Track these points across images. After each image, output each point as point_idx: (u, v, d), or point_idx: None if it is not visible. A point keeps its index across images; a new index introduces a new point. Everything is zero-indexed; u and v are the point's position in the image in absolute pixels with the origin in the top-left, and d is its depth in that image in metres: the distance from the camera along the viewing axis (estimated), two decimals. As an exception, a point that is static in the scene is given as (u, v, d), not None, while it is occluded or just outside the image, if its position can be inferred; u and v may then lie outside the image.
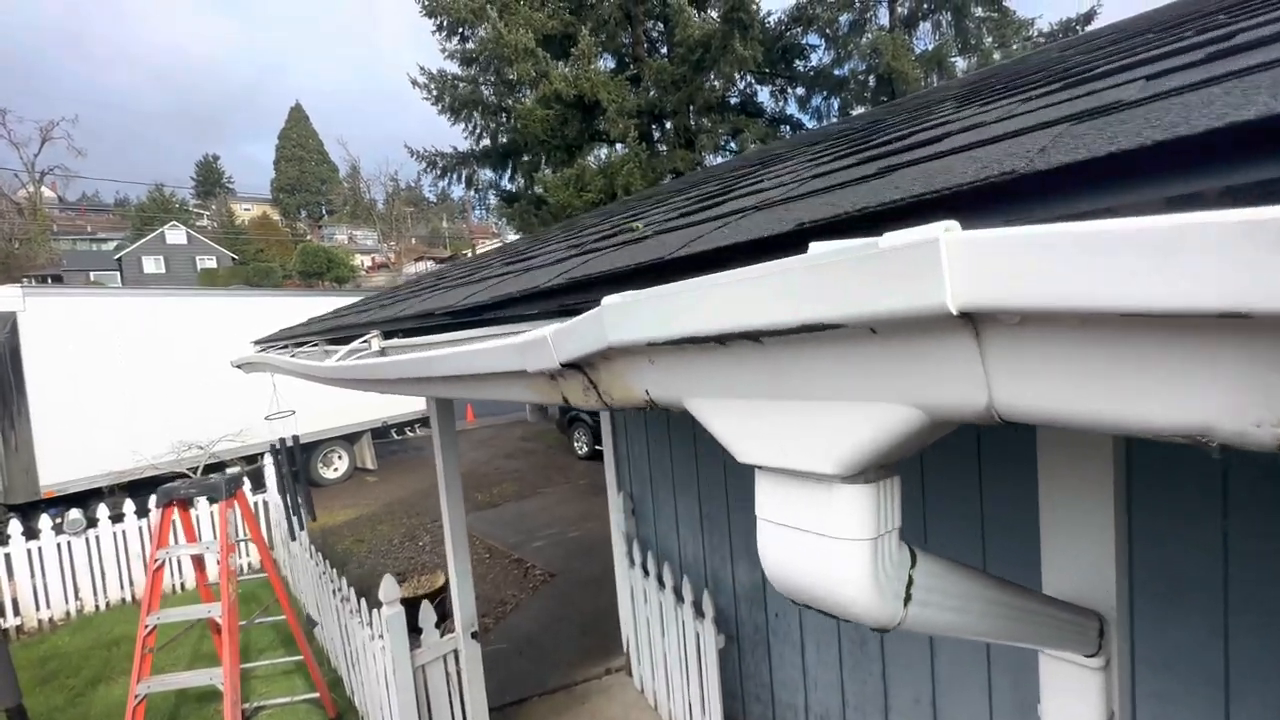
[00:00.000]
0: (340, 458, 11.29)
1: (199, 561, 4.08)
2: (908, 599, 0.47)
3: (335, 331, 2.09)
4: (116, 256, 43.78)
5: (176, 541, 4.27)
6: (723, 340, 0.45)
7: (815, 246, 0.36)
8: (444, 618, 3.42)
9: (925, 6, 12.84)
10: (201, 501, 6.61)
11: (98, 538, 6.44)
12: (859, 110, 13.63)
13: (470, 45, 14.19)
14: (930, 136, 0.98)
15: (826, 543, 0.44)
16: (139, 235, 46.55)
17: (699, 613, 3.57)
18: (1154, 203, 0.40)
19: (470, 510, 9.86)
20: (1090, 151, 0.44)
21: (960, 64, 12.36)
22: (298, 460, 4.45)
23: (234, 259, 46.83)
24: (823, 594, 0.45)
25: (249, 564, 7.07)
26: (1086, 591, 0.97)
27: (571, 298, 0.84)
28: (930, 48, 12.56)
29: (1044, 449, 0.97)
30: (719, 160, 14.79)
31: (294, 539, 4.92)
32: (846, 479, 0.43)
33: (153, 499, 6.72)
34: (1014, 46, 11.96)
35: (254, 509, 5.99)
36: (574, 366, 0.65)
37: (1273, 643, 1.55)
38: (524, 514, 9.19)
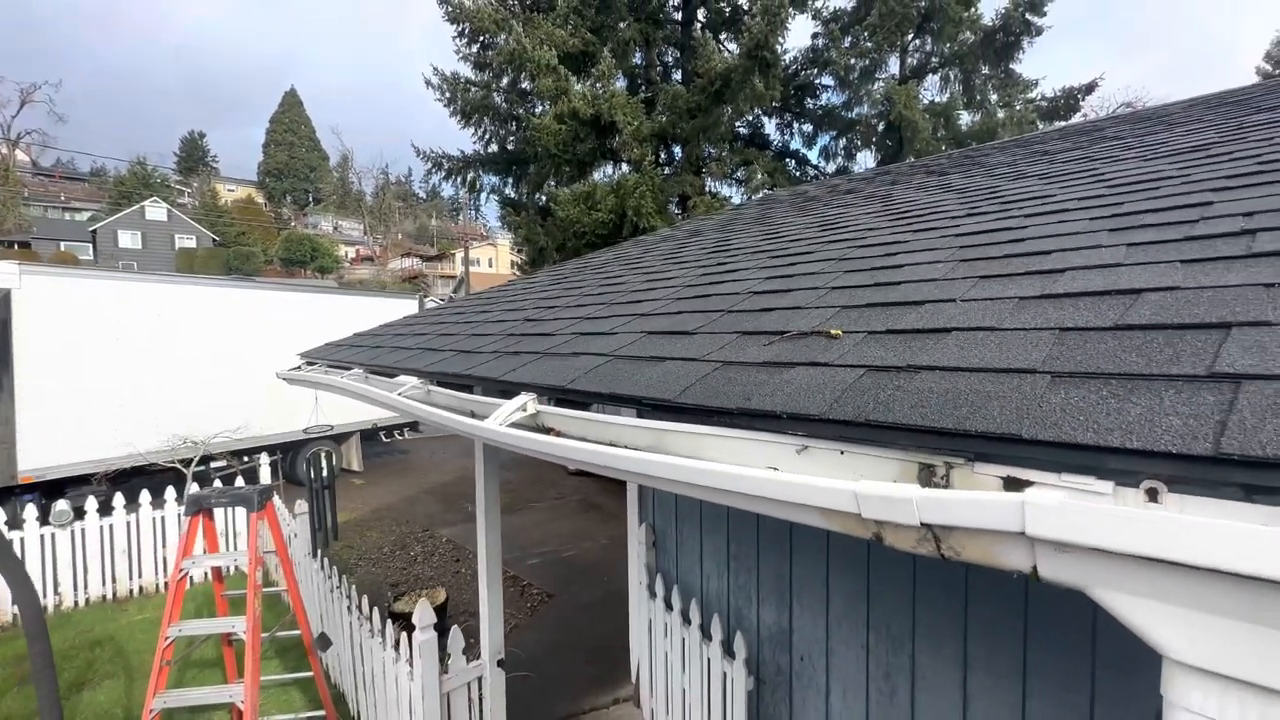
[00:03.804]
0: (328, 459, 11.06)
1: (218, 572, 3.98)
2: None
3: (442, 375, 2.11)
4: (91, 229, 42.29)
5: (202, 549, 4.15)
6: (1194, 569, 0.53)
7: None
8: (441, 633, 3.39)
9: (934, 61, 13.34)
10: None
11: (83, 531, 6.20)
12: (865, 153, 14.06)
13: (490, 52, 14.26)
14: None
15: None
16: (116, 208, 45.06)
17: (728, 652, 3.62)
18: None
19: (460, 520, 9.76)
20: None
21: (966, 118, 12.87)
22: (329, 470, 4.35)
23: (214, 240, 45.63)
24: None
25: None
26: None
27: (855, 432, 0.91)
28: (938, 100, 13.04)
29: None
30: (726, 189, 15.06)
31: (315, 556, 4.82)
32: (1312, 701, 0.50)
33: (142, 498, 6.52)
34: (1017, 107, 12.52)
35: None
36: (928, 525, 0.72)
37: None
38: (515, 529, 9.11)
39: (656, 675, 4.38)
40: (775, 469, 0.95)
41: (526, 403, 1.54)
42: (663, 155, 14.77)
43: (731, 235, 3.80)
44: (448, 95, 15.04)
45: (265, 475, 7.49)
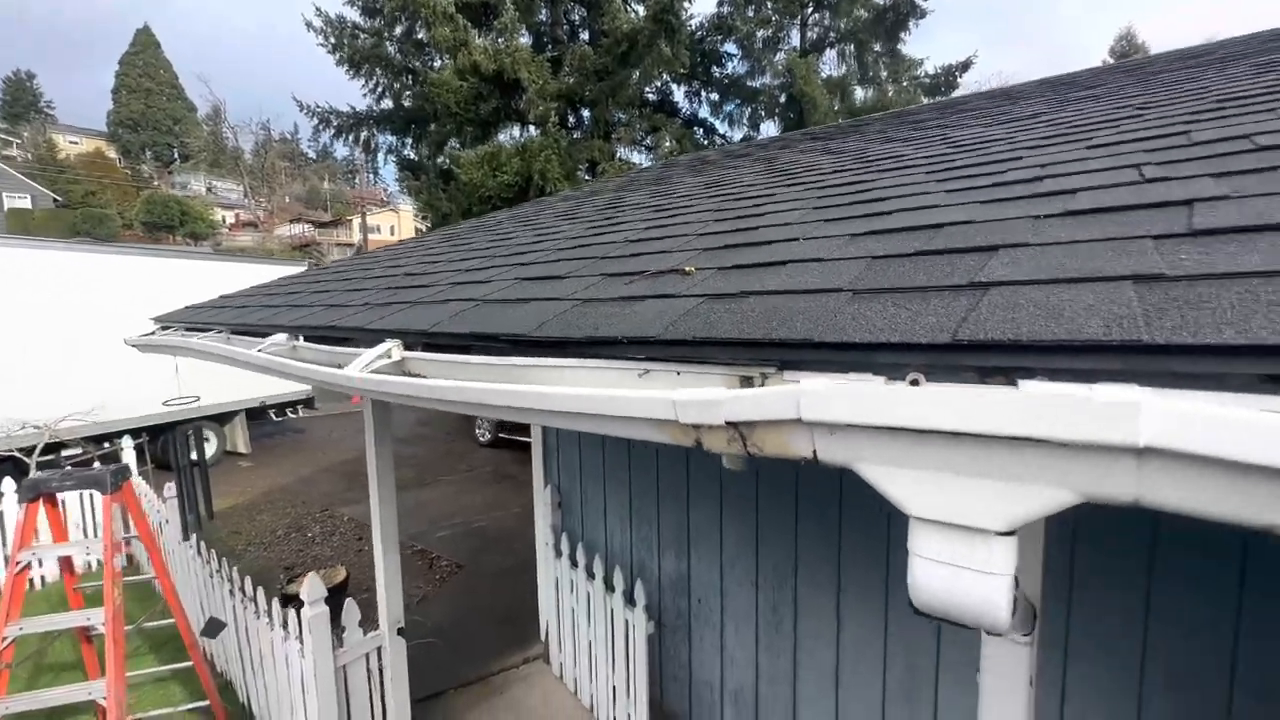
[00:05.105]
0: (208, 440, 10.13)
1: (67, 562, 3.58)
2: (1014, 611, 0.67)
3: (310, 329, 1.98)
4: (-116, 182, 35.20)
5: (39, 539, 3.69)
6: (923, 433, 0.61)
7: (1029, 385, 0.53)
8: (338, 612, 3.29)
9: (831, 35, 13.86)
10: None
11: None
12: (769, 123, 14.46)
13: (379, -3, 13.14)
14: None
15: (983, 577, 0.62)
16: (-83, 158, 37.69)
17: (629, 601, 3.76)
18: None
19: (363, 499, 9.31)
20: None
21: (860, 93, 13.55)
22: (198, 450, 3.99)
23: (56, 200, 39.50)
24: (972, 612, 0.64)
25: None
26: (1030, 589, 1.26)
27: (685, 350, 0.96)
28: (835, 74, 13.61)
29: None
30: (636, 156, 14.99)
31: (186, 539, 4.44)
32: (1005, 533, 0.61)
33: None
34: (904, 84, 13.33)
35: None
36: (733, 424, 0.78)
37: (1101, 625, 2.04)
38: (424, 503, 8.87)
39: (564, 631, 4.49)
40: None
41: (391, 349, 1.49)
42: (571, 119, 14.40)
43: (626, 194, 3.81)
44: (332, 41, 13.75)
45: (131, 460, 6.75)
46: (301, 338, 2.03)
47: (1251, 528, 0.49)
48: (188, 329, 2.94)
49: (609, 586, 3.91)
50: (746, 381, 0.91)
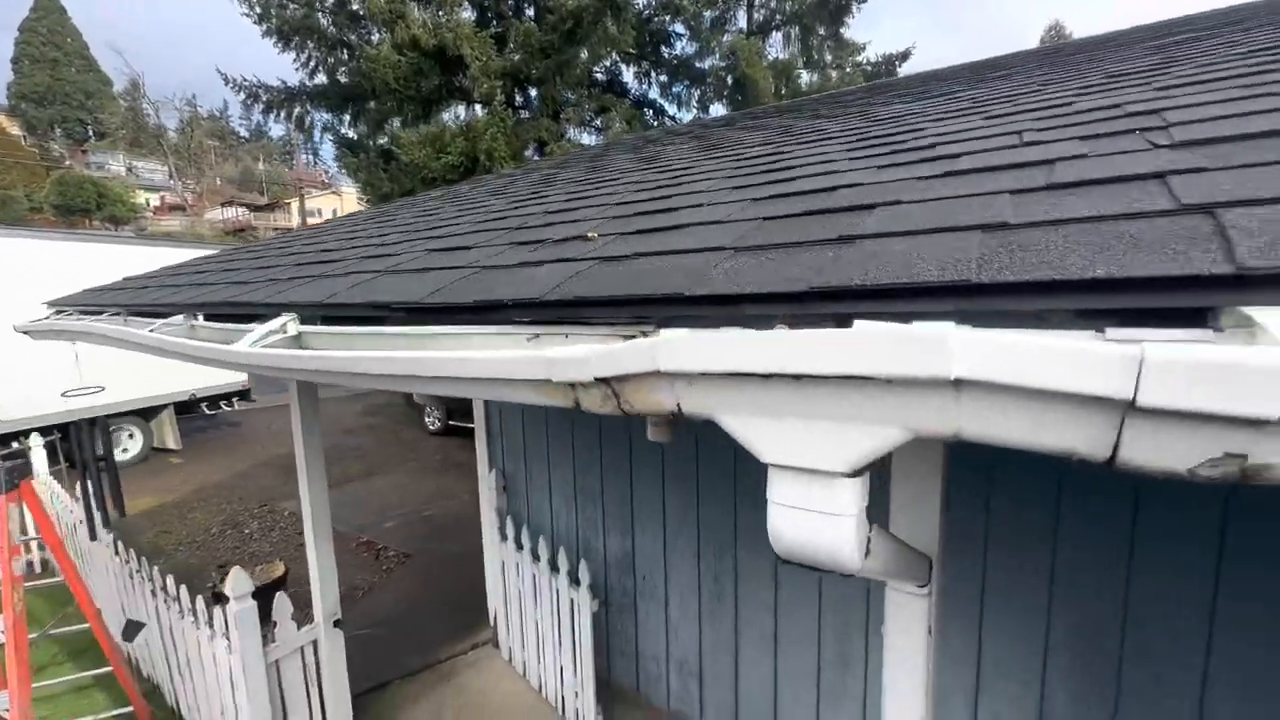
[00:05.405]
0: (131, 437, 9.54)
1: (-40, 569, 3.31)
2: (867, 553, 0.69)
3: (210, 307, 1.87)
4: None
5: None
6: (768, 378, 0.61)
7: (861, 324, 0.53)
8: (268, 612, 3.17)
9: (777, 18, 13.93)
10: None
11: None
12: (718, 106, 14.47)
13: (307, -37, 12.41)
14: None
15: (831, 518, 0.63)
16: None
17: (574, 580, 3.77)
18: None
19: (306, 492, 8.99)
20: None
21: (805, 77, 13.70)
22: (104, 444, 3.73)
23: (-52, 181, 35.99)
24: (823, 554, 0.65)
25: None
26: (922, 542, 1.32)
27: (567, 311, 0.94)
28: (781, 57, 13.71)
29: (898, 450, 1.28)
30: (586, 137, 14.76)
31: (94, 539, 4.17)
32: (848, 475, 0.62)
33: None
34: (847, 69, 13.55)
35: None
36: (603, 381, 0.77)
37: (1016, 574, 2.16)
38: (371, 494, 8.63)
39: (512, 614, 4.47)
40: (501, 355, 0.96)
41: (286, 323, 1.41)
42: (519, 99, 14.03)
43: (562, 171, 3.74)
44: (259, 11, 12.92)
45: (41, 458, 6.28)
46: (201, 316, 1.92)
47: (1055, 453, 0.51)
48: (83, 312, 2.73)
49: (554, 567, 3.91)
50: (629, 340, 0.90)
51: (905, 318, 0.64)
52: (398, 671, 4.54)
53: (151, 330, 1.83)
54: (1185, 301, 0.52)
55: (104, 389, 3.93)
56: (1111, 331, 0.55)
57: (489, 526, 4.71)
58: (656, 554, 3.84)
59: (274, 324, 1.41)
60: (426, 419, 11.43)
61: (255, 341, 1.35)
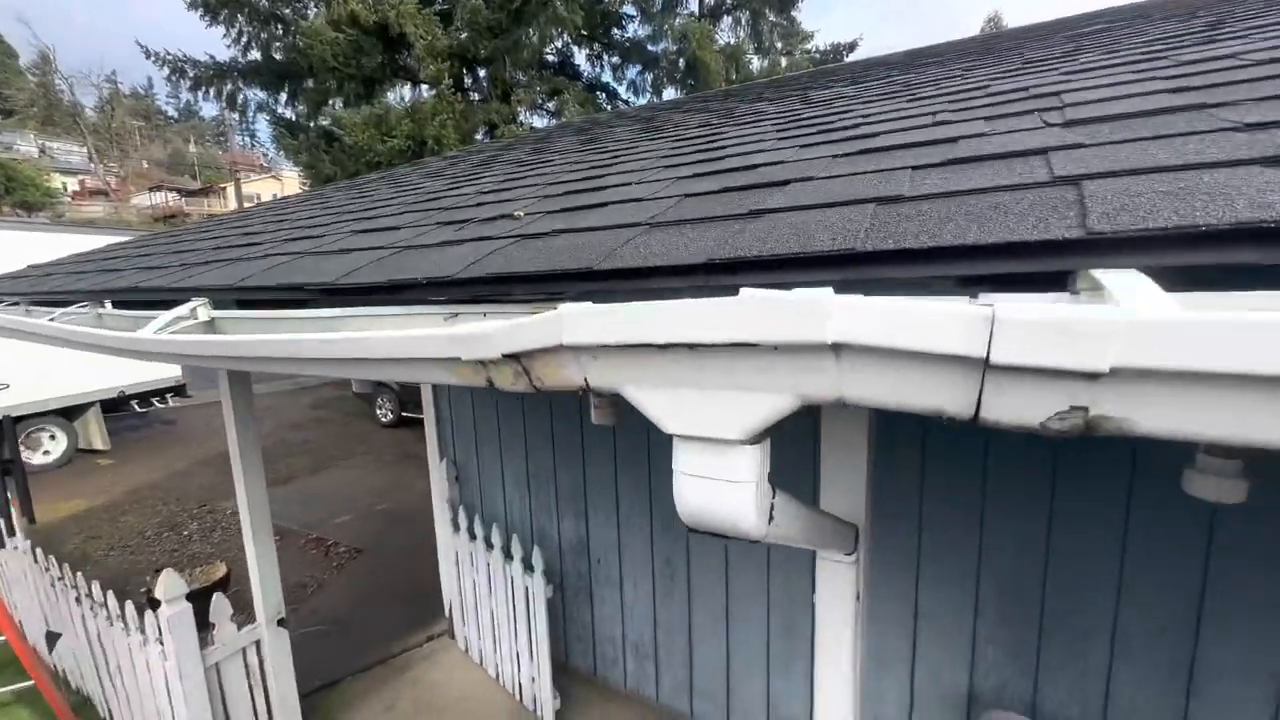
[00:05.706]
0: (53, 438, 8.93)
1: None
2: (771, 519, 0.71)
3: (119, 294, 1.75)
4: None
5: None
6: (665, 348, 0.62)
7: (746, 292, 0.54)
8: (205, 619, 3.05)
9: (728, 2, 13.92)
10: None
11: None
12: (671, 90, 14.40)
13: (233, -70, 11.64)
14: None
15: (731, 485, 0.64)
16: None
17: (528, 567, 3.75)
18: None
19: (249, 490, 8.62)
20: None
21: (756, 63, 13.77)
22: (10, 446, 3.48)
23: None
24: (725, 520, 0.66)
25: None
26: (848, 511, 1.36)
27: (483, 289, 0.93)
28: (731, 41, 13.73)
29: (826, 420, 1.32)
30: (539, 120, 14.46)
31: (1, 545, 3.90)
32: (745, 442, 0.63)
33: None
34: (796, 55, 13.69)
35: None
36: (512, 357, 0.76)
37: (946, 542, 2.27)
38: (320, 490, 8.36)
39: (467, 604, 4.42)
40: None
41: (197, 308, 1.34)
42: (468, 80, 13.61)
43: (505, 153, 3.66)
44: (180, -20, 12.06)
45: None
46: (109, 304, 1.80)
47: (928, 413, 0.53)
48: (-20, 304, 2.51)
49: (507, 555, 3.88)
50: (533, 315, 0.89)
51: (801, 286, 0.65)
52: (350, 668, 4.45)
53: (52, 319, 1.70)
54: (1049, 266, 0.55)
55: (8, 386, 3.64)
56: (984, 296, 0.57)
57: (442, 518, 4.64)
58: (610, 537, 3.86)
59: (183, 309, 1.34)
60: (378, 411, 11.12)
61: (163, 328, 1.28)
